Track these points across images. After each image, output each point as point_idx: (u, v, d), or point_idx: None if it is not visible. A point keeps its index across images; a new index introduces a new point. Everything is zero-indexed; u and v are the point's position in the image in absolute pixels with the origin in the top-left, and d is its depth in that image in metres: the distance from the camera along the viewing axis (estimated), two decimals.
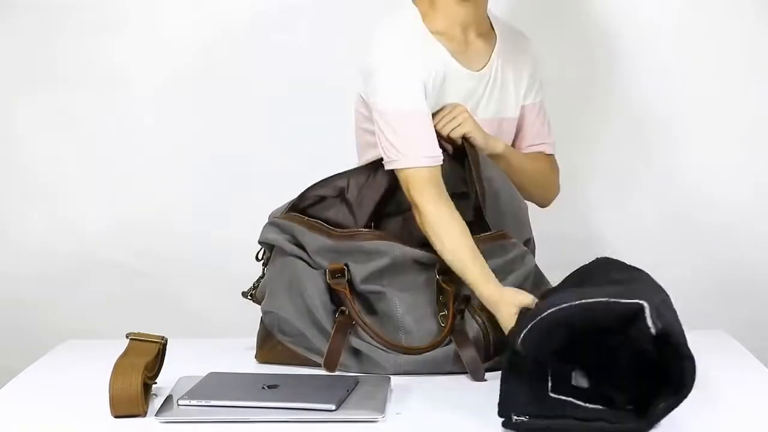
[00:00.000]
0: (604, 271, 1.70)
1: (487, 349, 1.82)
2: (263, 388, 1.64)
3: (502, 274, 1.87)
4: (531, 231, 2.02)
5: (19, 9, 2.51)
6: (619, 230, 2.54)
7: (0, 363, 2.36)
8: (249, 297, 2.01)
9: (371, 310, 1.88)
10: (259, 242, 2.00)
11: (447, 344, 1.83)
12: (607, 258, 1.78)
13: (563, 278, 1.78)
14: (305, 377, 1.76)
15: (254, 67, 2.51)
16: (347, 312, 1.86)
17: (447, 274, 1.86)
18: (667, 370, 1.46)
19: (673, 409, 1.45)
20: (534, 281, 1.94)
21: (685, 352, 1.45)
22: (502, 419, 1.48)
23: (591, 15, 2.50)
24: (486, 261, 1.85)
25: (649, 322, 1.45)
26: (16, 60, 2.53)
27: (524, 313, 1.68)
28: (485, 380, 1.77)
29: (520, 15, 2.42)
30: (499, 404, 1.51)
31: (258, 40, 2.50)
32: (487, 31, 2.03)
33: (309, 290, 1.87)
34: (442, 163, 1.90)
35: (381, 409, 1.57)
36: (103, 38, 2.52)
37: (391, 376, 1.75)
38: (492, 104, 2.02)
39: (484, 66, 2.00)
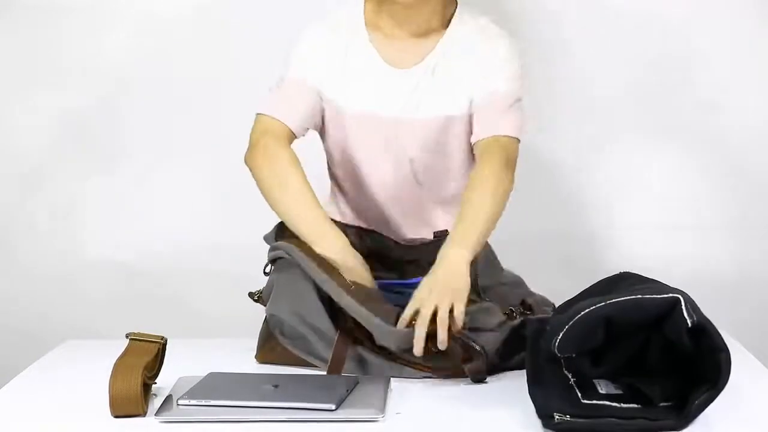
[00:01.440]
0: (628, 283, 1.71)
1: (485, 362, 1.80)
2: (263, 388, 1.64)
3: None
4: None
5: (19, 9, 2.51)
6: (618, 230, 2.54)
7: (0, 363, 2.36)
8: (256, 299, 2.01)
9: None
10: (269, 260, 2.00)
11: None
12: (627, 272, 1.79)
13: (581, 291, 1.79)
14: (305, 377, 1.76)
15: (255, 67, 2.51)
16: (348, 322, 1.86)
17: None
18: (702, 364, 1.49)
19: (710, 403, 1.48)
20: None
21: (720, 344, 1.48)
22: (543, 419, 1.49)
23: (593, 13, 2.50)
24: None
25: (686, 315, 1.49)
26: (16, 60, 2.53)
27: (555, 315, 1.69)
28: (486, 382, 1.78)
29: (524, 12, 2.42)
30: (537, 404, 1.52)
31: (260, 41, 2.49)
32: (429, 31, 2.03)
33: (309, 299, 1.88)
34: (295, 133, 2.00)
35: (381, 408, 1.57)
36: (103, 38, 2.52)
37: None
38: (430, 103, 2.01)
39: (414, 66, 2.02)
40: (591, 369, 1.55)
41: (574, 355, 1.54)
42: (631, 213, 2.54)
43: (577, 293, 1.79)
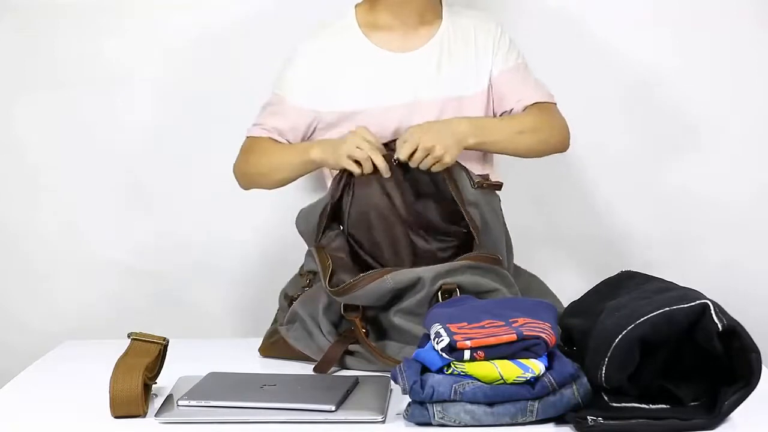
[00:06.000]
0: (634, 283, 1.70)
1: None
2: (263, 388, 1.65)
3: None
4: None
5: (19, 9, 2.51)
6: (618, 230, 2.54)
7: (0, 363, 2.36)
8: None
9: (380, 332, 1.91)
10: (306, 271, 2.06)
11: None
12: (630, 271, 1.78)
13: (586, 292, 1.79)
14: (305, 377, 1.76)
15: (255, 67, 2.51)
16: (355, 334, 1.89)
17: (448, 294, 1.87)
18: (732, 365, 1.49)
19: (742, 402, 1.48)
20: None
21: (751, 344, 1.48)
22: (574, 422, 1.49)
23: (595, 19, 2.50)
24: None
25: (716, 319, 1.48)
26: (16, 60, 2.53)
27: (568, 318, 1.69)
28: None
29: (527, 16, 2.42)
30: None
31: (260, 40, 2.49)
32: (425, 22, 2.11)
33: (322, 300, 1.93)
34: (278, 139, 2.11)
35: (381, 409, 1.57)
36: (103, 38, 2.51)
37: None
38: (440, 84, 2.07)
39: (420, 47, 2.08)
40: (630, 388, 1.52)
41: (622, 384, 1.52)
42: (628, 213, 2.54)
43: (583, 294, 1.79)
